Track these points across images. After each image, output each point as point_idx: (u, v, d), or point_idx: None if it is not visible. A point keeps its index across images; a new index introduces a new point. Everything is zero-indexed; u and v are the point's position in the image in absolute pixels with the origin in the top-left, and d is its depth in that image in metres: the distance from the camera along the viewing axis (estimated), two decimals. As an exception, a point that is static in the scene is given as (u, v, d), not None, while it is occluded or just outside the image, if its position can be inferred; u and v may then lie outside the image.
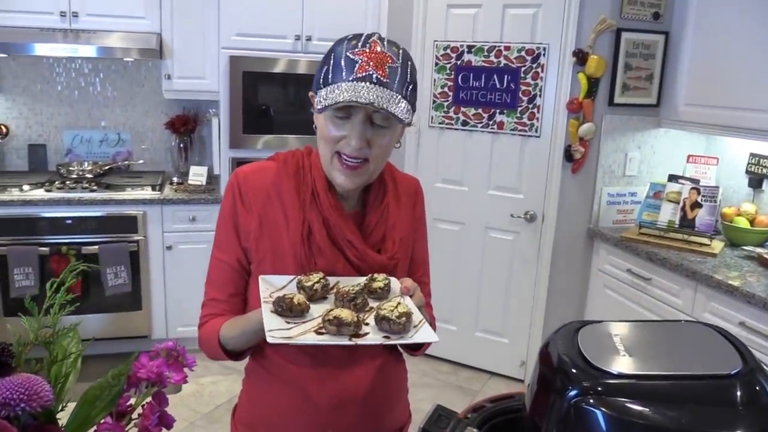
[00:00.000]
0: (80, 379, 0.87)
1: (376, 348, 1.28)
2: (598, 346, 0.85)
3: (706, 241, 2.94)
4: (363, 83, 1.11)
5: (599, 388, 0.76)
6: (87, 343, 0.76)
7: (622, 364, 0.79)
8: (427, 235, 1.44)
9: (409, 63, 1.19)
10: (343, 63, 1.14)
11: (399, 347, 1.35)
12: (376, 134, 1.17)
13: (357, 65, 1.13)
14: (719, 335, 0.86)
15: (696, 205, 2.99)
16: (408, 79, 1.17)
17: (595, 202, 3.32)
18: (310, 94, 1.24)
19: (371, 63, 1.13)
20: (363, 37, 1.17)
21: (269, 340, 1.00)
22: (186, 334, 3.61)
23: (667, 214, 3.06)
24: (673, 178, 3.16)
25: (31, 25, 3.39)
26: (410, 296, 1.14)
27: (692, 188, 3.03)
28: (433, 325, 1.32)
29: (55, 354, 0.68)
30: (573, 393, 0.77)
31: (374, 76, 1.12)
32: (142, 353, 0.73)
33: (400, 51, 1.18)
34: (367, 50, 1.14)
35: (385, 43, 1.17)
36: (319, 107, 1.17)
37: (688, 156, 3.33)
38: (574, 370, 0.81)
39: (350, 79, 1.12)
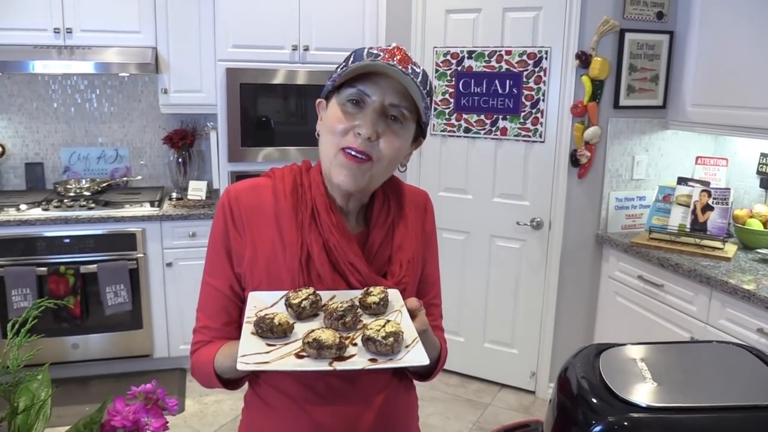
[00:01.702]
0: (83, 401, 0.80)
1: (382, 377, 1.19)
2: (622, 373, 0.77)
3: (718, 244, 2.86)
4: (386, 64, 1.06)
5: (626, 423, 0.69)
6: (56, 389, 0.69)
7: (651, 395, 0.72)
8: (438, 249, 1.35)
9: (429, 80, 1.14)
10: (364, 54, 1.10)
11: (408, 373, 1.25)
12: (388, 130, 1.09)
13: (380, 56, 1.08)
14: (755, 358, 0.78)
15: (707, 208, 2.91)
16: (428, 89, 1.13)
17: (602, 207, 3.24)
18: (318, 101, 1.18)
19: (396, 57, 1.09)
20: (384, 46, 1.13)
21: (239, 367, 0.91)
22: (188, 352, 3.54)
23: (678, 217, 2.98)
24: (682, 180, 3.08)
25: (25, 43, 3.35)
26: (412, 318, 1.04)
27: (703, 191, 2.95)
28: (444, 348, 1.23)
29: (16, 404, 0.60)
30: (597, 429, 0.69)
31: (398, 66, 1.07)
32: (117, 398, 0.66)
33: (422, 67, 1.14)
34: (391, 49, 1.10)
35: (408, 53, 1.13)
36: (333, 83, 1.12)
37: (697, 157, 3.25)
38: (595, 401, 0.74)
39: (372, 59, 1.08)
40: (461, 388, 3.59)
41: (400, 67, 1.06)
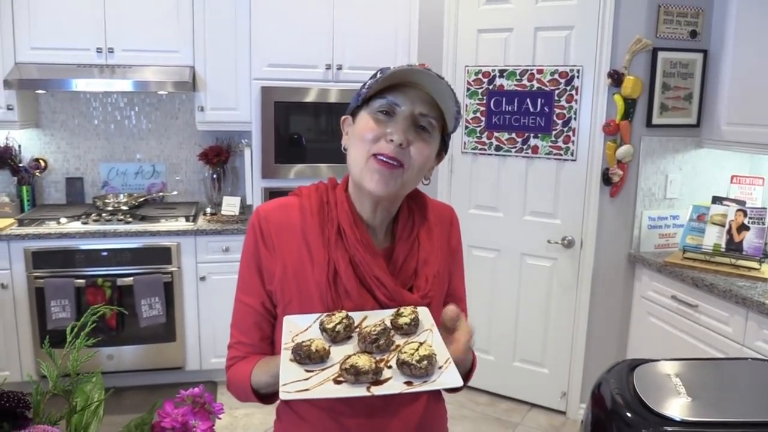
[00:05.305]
0: (116, 411, 0.84)
1: None
2: (656, 388, 0.78)
3: (755, 265, 2.81)
4: (423, 69, 1.09)
5: (661, 437, 0.70)
6: (110, 392, 0.72)
7: (685, 409, 0.72)
8: (464, 264, 1.37)
9: (454, 92, 1.16)
10: (391, 67, 1.12)
11: None
12: (418, 138, 1.12)
13: (414, 66, 1.11)
14: (791, 375, 0.78)
15: (743, 228, 2.87)
16: (456, 99, 1.15)
17: (635, 226, 3.21)
18: (344, 118, 1.21)
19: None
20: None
21: (282, 396, 0.94)
22: (219, 366, 3.58)
23: (713, 237, 2.95)
24: (717, 199, 3.04)
25: (68, 62, 3.47)
26: (455, 329, 1.06)
27: (738, 210, 2.91)
28: (473, 362, 1.25)
29: (75, 403, 0.64)
30: (632, 442, 0.70)
31: (427, 72, 1.10)
32: (167, 401, 0.69)
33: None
34: (421, 64, 1.13)
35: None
36: (361, 97, 1.15)
37: (732, 176, 3.21)
38: (630, 415, 0.75)
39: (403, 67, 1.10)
40: (490, 407, 3.56)
41: (436, 74, 1.10)
